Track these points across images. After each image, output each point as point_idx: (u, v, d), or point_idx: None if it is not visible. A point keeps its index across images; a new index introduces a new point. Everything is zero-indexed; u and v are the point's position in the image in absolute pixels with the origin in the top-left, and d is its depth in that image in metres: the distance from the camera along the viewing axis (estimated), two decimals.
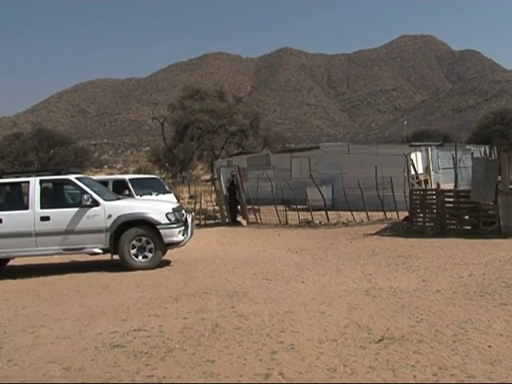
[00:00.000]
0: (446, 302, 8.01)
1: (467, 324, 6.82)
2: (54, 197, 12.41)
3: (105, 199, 12.18)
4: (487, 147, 33.22)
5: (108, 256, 12.39)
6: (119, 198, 13.25)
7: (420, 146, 27.98)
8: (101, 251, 12.09)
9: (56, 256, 12.89)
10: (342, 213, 20.95)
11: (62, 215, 11.84)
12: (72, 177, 12.45)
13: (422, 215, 16.96)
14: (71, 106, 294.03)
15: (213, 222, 22.96)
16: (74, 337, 7.02)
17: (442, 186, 18.30)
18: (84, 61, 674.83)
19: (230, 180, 23.29)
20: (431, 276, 9.97)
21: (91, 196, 11.90)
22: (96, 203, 11.91)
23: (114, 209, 12.03)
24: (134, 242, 12.03)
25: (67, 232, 11.81)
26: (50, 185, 12.55)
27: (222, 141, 63.83)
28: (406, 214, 17.97)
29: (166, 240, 12.15)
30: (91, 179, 14.39)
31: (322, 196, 21.73)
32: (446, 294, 8.51)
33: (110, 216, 11.90)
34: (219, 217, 23.11)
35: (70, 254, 12.47)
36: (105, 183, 17.13)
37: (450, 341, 6.20)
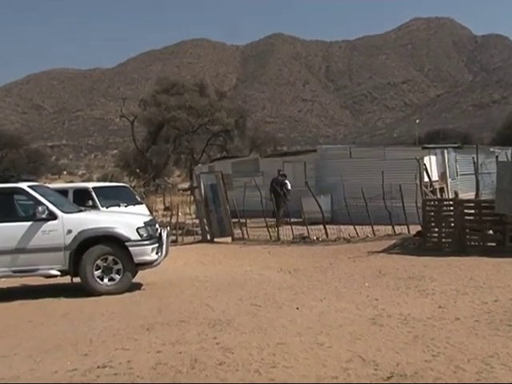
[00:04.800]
0: (466, 332, 8.02)
1: (493, 359, 6.81)
2: (1, 209, 12.31)
3: (64, 211, 12.11)
4: None
5: (67, 279, 12.31)
6: (81, 210, 13.18)
7: (435, 148, 28.10)
8: (58, 273, 12.01)
9: (3, 279, 12.78)
10: (342, 227, 20.98)
11: (11, 231, 11.75)
12: (24, 185, 12.37)
13: (437, 230, 17.01)
14: (22, 100, 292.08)
15: (192, 238, 22.91)
16: (23, 376, 6.94)
17: (461, 196, 18.38)
18: (38, 48, 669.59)
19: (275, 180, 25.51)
20: (449, 301, 9.99)
21: (47, 208, 11.82)
22: (53, 216, 11.83)
23: (74, 223, 11.96)
24: (98, 261, 11.95)
25: (18, 251, 11.71)
26: None
27: (202, 143, 63.89)
28: (419, 228, 18.01)
29: (137, 259, 12.09)
30: (47, 188, 14.32)
31: (320, 207, 21.75)
32: (466, 322, 8.52)
33: (69, 231, 11.82)
34: (199, 232, 23.08)
35: (21, 276, 12.38)
36: (64, 192, 17.05)
37: (473, 379, 6.19)
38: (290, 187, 26.46)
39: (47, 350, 8.05)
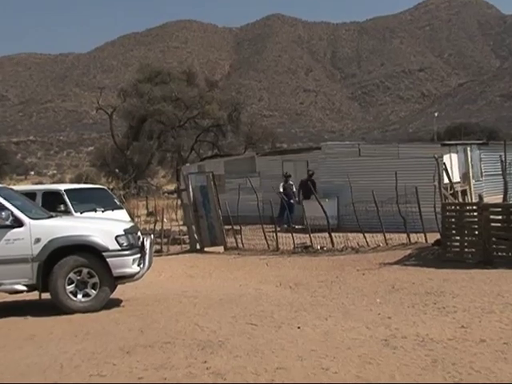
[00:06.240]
0: (493, 356, 8.00)
1: None
2: None
3: (31, 217, 12.07)
4: None
5: (35, 294, 12.27)
6: (51, 216, 13.15)
7: (456, 145, 28.12)
8: (25, 288, 11.95)
9: None
10: (350, 235, 21.01)
11: None
12: None
13: (458, 238, 17.01)
14: None
15: (179, 247, 22.90)
16: None
17: (487, 199, 18.37)
18: (1, 29, 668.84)
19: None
20: (473, 320, 9.99)
21: (12, 213, 11.77)
22: (19, 223, 11.78)
23: (43, 230, 11.92)
24: (71, 274, 11.90)
25: None
26: None
27: (190, 139, 63.92)
28: (438, 236, 18.02)
29: (116, 272, 12.05)
30: (12, 190, 14.29)
31: (325, 212, 21.75)
32: (493, 345, 8.51)
33: (38, 240, 11.77)
34: (187, 241, 23.06)
35: None
36: (31, 195, 17.05)
37: None
38: (281, 189, 27.06)
39: (10, 378, 8.01)
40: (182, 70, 71.06)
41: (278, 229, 22.10)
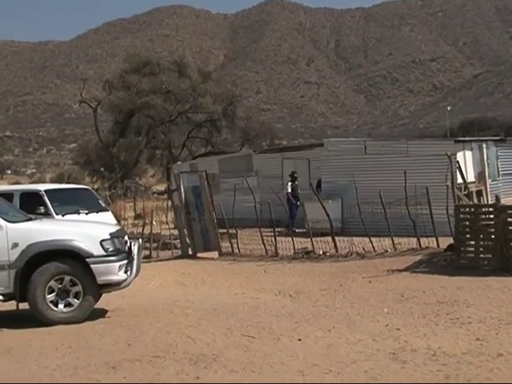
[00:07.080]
0: None
1: None
2: None
3: (8, 220, 12.04)
4: None
5: (12, 304, 12.25)
6: (30, 219, 13.14)
7: (471, 141, 28.11)
8: (1, 298, 11.93)
9: None
10: (355, 239, 20.98)
11: None
12: None
13: (473, 243, 17.00)
14: None
15: (169, 252, 22.89)
16: None
17: (504, 201, 18.37)
18: None
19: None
20: (489, 333, 9.98)
21: None
22: None
23: (21, 234, 11.89)
24: (51, 283, 11.86)
25: None
26: None
27: (182, 135, 63.93)
28: (451, 240, 18.02)
29: (101, 279, 12.01)
30: None
31: (328, 215, 21.75)
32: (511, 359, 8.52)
33: (15, 245, 11.74)
34: (179, 245, 23.05)
35: None
36: (8, 196, 17.02)
37: None
38: (290, 190, 27.15)
39: None
40: (172, 60, 71.13)
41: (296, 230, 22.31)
